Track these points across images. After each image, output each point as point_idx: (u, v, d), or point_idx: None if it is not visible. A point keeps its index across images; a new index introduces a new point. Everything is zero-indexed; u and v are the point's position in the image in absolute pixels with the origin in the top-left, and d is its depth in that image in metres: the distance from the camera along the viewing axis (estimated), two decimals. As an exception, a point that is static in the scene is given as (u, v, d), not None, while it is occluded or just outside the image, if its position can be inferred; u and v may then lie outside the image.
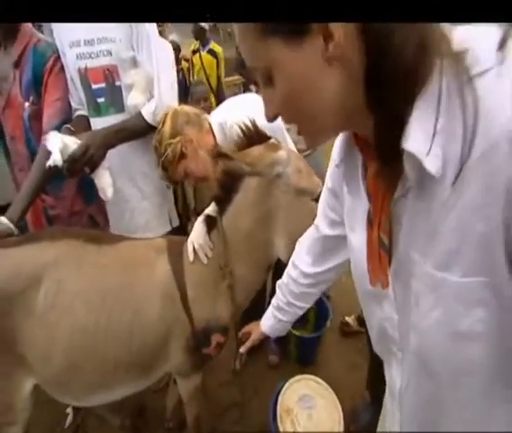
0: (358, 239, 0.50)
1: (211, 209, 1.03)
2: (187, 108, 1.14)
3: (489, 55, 0.30)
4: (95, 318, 0.90)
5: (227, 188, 0.95)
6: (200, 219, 1.04)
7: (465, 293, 0.35)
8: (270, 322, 0.93)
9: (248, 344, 0.97)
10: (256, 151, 0.89)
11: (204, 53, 2.77)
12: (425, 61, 0.32)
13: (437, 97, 0.32)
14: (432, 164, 0.32)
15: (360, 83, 0.35)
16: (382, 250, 0.44)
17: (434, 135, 0.32)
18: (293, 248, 0.87)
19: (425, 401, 0.45)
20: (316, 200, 0.91)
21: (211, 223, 1.01)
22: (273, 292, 0.94)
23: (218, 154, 0.89)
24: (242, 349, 0.98)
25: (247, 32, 0.38)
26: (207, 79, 3.03)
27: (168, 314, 0.95)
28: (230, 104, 1.26)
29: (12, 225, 1.02)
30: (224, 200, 0.97)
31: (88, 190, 1.41)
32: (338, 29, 0.33)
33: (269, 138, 0.92)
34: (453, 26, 0.33)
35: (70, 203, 1.38)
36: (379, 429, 0.74)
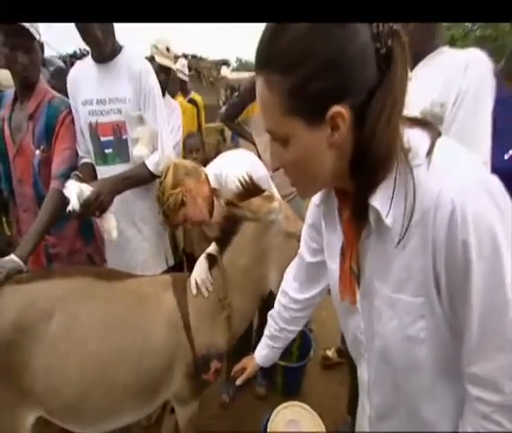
0: (334, 265, 0.65)
1: (212, 249, 1.18)
2: (185, 162, 1.31)
3: (422, 155, 0.47)
4: (107, 346, 0.99)
5: (227, 231, 1.12)
6: (202, 257, 1.18)
7: (412, 308, 0.51)
8: (265, 352, 1.00)
9: (244, 376, 1.03)
10: (256, 201, 1.08)
11: (185, 103, 3.03)
12: (391, 157, 0.47)
13: (394, 178, 0.48)
14: (388, 219, 0.49)
15: (347, 160, 0.50)
16: (352, 276, 0.60)
17: (390, 201, 0.49)
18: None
19: (388, 385, 0.62)
20: (299, 240, 1.09)
21: (212, 260, 1.15)
22: (259, 327, 1.05)
23: (230, 203, 1.06)
24: (239, 381, 1.04)
25: (275, 105, 0.48)
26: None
27: (172, 341, 1.06)
28: (224, 158, 1.45)
29: (22, 263, 1.10)
30: (224, 241, 1.14)
31: (88, 231, 1.53)
32: (343, 124, 0.46)
33: (264, 191, 1.11)
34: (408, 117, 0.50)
35: (71, 242, 1.46)
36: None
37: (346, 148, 0.49)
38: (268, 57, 0.47)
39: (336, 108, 0.45)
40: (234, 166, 1.30)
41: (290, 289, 0.93)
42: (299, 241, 1.09)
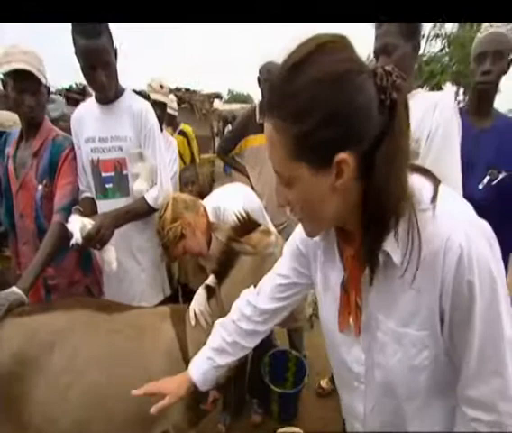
0: (330, 298, 0.68)
1: (210, 280, 1.22)
2: (184, 196, 1.38)
3: (426, 200, 0.51)
4: (107, 378, 1.01)
5: (225, 264, 1.17)
6: (201, 289, 1.22)
7: (418, 341, 0.55)
8: (205, 367, 0.88)
9: (165, 402, 0.85)
10: (255, 236, 1.14)
11: (176, 135, 3.18)
12: (402, 204, 0.49)
13: (403, 221, 0.51)
14: (397, 259, 0.52)
15: (354, 205, 0.53)
16: (357, 310, 0.62)
17: (399, 243, 0.52)
18: None
19: (388, 413, 0.64)
20: None
21: (210, 292, 1.19)
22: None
23: (232, 239, 1.12)
24: (153, 410, 0.83)
25: (282, 149, 0.50)
26: (181, 157, 3.39)
27: (172, 372, 1.06)
28: (221, 192, 1.53)
29: (24, 295, 1.13)
30: (221, 274, 1.18)
31: (86, 263, 1.57)
32: (348, 170, 0.48)
33: (260, 225, 1.18)
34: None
35: (70, 274, 1.49)
36: None
37: (352, 194, 0.52)
38: (277, 104, 0.50)
39: (341, 155, 0.47)
40: (231, 200, 1.37)
41: (259, 301, 0.87)
42: None
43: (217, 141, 11.71)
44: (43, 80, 1.36)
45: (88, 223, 1.22)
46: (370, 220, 0.52)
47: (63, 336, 1.03)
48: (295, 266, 0.81)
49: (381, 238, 0.52)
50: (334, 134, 0.47)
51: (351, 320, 0.64)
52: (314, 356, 2.22)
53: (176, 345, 1.10)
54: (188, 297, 1.78)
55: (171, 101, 3.31)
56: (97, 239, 1.23)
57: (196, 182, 2.25)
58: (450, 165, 1.12)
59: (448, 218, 0.51)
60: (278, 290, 0.85)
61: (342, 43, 0.49)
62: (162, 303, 1.58)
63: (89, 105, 1.46)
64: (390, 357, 0.58)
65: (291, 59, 0.49)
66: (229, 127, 11.58)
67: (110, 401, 1.01)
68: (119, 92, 1.42)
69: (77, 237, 1.14)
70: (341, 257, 0.65)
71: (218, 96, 10.66)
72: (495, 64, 1.36)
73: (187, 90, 9.04)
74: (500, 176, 1.38)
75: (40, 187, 1.41)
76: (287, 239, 0.85)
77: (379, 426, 0.68)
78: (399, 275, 0.53)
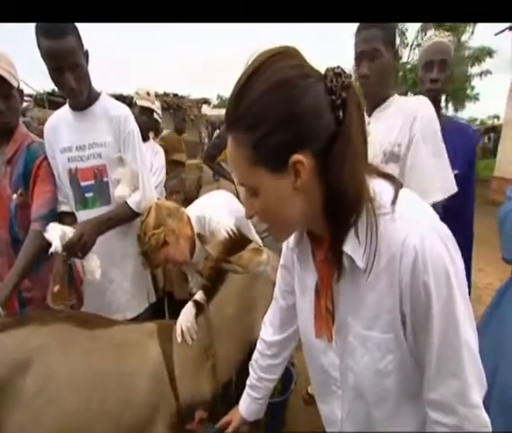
0: (306, 302, 0.69)
1: (199, 296, 1.17)
2: (167, 203, 1.35)
3: (387, 204, 0.53)
4: (85, 402, 0.94)
5: (214, 280, 1.13)
6: (190, 304, 1.17)
7: (382, 344, 0.56)
8: (247, 403, 0.97)
9: (230, 430, 1.00)
10: (246, 255, 1.10)
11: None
12: (359, 202, 0.51)
13: (364, 223, 0.52)
14: (360, 262, 0.54)
15: (317, 205, 0.54)
16: (328, 314, 0.64)
17: (362, 246, 0.53)
18: None
19: (360, 419, 0.65)
20: None
21: (199, 308, 1.15)
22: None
23: (221, 260, 1.08)
24: None
25: (242, 159, 0.53)
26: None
27: (156, 392, 1.02)
28: (204, 200, 1.50)
29: (0, 308, 1.07)
30: (210, 290, 1.14)
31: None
32: (304, 171, 0.50)
33: (251, 241, 1.15)
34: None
35: (47, 285, 1.41)
36: None
37: (313, 193, 0.54)
38: (233, 118, 0.54)
39: (296, 157, 0.50)
40: (216, 209, 1.34)
41: (266, 334, 0.93)
42: None
43: (206, 146, 11.72)
44: (15, 83, 1.30)
45: (69, 231, 1.17)
46: (330, 217, 0.55)
47: (38, 356, 0.95)
48: (286, 289, 0.84)
49: (342, 237, 0.54)
50: (286, 137, 0.50)
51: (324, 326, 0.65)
52: (302, 363, 2.19)
53: (162, 366, 1.05)
54: (174, 306, 1.74)
55: (157, 108, 3.34)
56: (79, 247, 1.18)
57: (180, 191, 2.22)
58: (434, 165, 1.14)
59: (405, 222, 0.52)
60: (278, 318, 0.89)
61: (289, 53, 0.52)
62: (148, 311, 1.54)
63: (63, 113, 1.40)
64: (359, 361, 0.59)
65: (242, 76, 0.52)
66: (217, 133, 11.58)
67: (88, 427, 0.95)
68: (94, 97, 1.36)
69: (56, 246, 1.09)
70: (314, 262, 0.67)
71: (206, 101, 10.67)
72: (441, 72, 1.47)
73: (175, 95, 9.01)
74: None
75: (14, 196, 1.35)
76: (273, 246, 0.84)
77: (353, 431, 0.68)
78: (363, 278, 0.55)
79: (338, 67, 0.52)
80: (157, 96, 3.03)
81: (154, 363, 1.06)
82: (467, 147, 1.49)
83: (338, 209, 0.53)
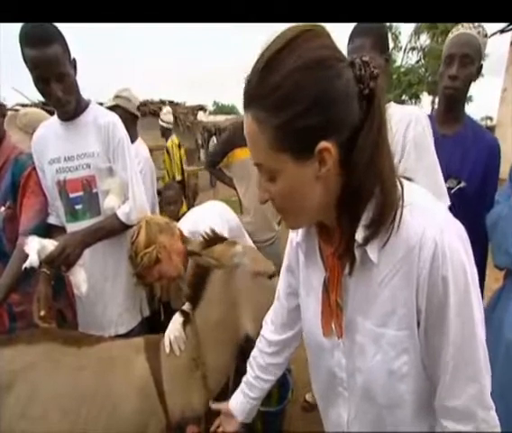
0: (312, 301, 0.66)
1: (186, 306, 1.16)
2: (157, 218, 1.32)
3: (404, 197, 0.51)
4: (70, 423, 0.92)
5: (196, 287, 1.12)
6: (177, 314, 1.15)
7: (397, 342, 0.53)
8: (240, 400, 0.93)
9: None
10: (219, 248, 1.10)
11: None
12: (378, 196, 0.49)
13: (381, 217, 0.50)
14: (373, 255, 0.51)
15: (333, 196, 0.52)
16: (339, 310, 0.60)
17: (374, 238, 0.51)
18: (258, 321, 0.98)
19: (369, 422, 0.61)
20: (270, 277, 1.12)
21: (186, 318, 1.13)
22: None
23: (191, 253, 1.07)
24: None
25: (263, 141, 0.49)
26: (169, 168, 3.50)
27: (144, 409, 1.00)
28: (196, 213, 1.48)
29: None
30: (194, 298, 1.13)
31: (57, 285, 1.46)
32: (330, 159, 0.48)
33: (226, 239, 1.14)
34: None
35: (37, 299, 1.41)
36: None
37: (333, 183, 0.52)
38: (256, 95, 0.49)
39: (323, 144, 0.47)
40: (208, 221, 1.31)
41: (267, 331, 0.91)
42: (271, 278, 1.12)
43: (202, 153, 11.72)
44: None
45: (50, 244, 1.14)
46: (346, 208, 0.52)
47: (22, 375, 0.93)
48: (289, 291, 0.82)
49: (355, 229, 0.52)
50: (315, 122, 0.46)
51: (333, 323, 0.62)
52: (299, 370, 2.17)
53: (149, 380, 1.03)
54: (171, 317, 1.71)
55: (166, 114, 3.54)
56: (61, 260, 1.15)
57: (178, 201, 2.15)
58: (425, 174, 1.12)
59: (423, 213, 0.51)
60: (281, 318, 0.86)
61: (318, 31, 0.48)
62: (141, 324, 1.52)
63: (51, 124, 1.37)
64: (369, 360, 0.56)
65: (269, 50, 0.47)
66: (213, 139, 11.60)
67: None
68: (82, 106, 1.34)
69: (32, 260, 1.06)
70: (321, 257, 0.64)
71: (202, 108, 10.70)
72: (462, 69, 1.27)
73: (171, 102, 9.03)
74: (458, 186, 1.32)
75: (2, 209, 1.34)
76: (274, 254, 0.83)
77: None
78: (376, 273, 0.53)
79: (365, 55, 0.49)
80: (152, 103, 3.03)
81: (142, 378, 1.03)
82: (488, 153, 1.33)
83: (354, 202, 0.51)
